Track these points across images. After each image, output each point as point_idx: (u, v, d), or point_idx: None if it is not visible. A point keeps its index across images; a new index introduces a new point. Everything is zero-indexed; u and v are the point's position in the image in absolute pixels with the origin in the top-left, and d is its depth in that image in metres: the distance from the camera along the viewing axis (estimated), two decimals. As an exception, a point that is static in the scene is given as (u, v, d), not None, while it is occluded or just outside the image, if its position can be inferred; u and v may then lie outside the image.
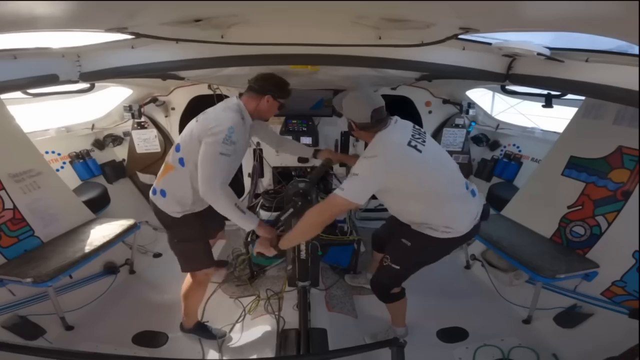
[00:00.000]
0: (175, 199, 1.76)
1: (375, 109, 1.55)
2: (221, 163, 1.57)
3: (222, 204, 1.59)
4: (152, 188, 1.84)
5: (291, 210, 1.84)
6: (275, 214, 2.74)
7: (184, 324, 2.11)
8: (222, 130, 1.57)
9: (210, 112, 1.75)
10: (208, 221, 2.10)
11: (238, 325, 2.21)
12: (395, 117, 1.67)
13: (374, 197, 1.63)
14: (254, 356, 1.98)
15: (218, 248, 2.96)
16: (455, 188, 1.65)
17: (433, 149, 1.62)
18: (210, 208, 1.97)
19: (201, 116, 1.75)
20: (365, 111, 1.55)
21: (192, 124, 1.74)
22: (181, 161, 1.71)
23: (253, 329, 2.17)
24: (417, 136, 1.57)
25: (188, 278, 1.99)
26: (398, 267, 1.80)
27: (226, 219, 1.72)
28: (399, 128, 1.61)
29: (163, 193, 1.78)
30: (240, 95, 1.85)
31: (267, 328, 2.12)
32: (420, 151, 1.51)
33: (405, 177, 1.52)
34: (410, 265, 1.83)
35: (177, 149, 1.73)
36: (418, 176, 1.53)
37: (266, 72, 1.84)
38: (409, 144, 1.51)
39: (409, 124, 1.66)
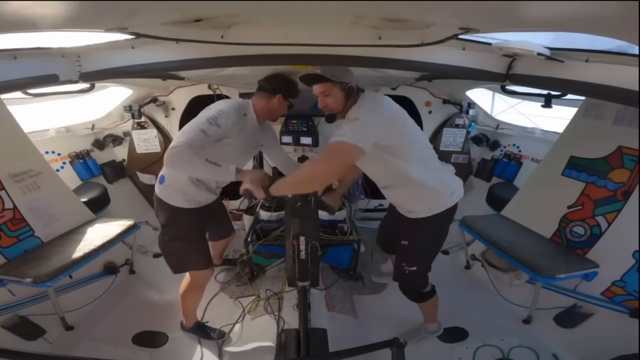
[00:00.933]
0: (173, 186, 1.76)
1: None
2: (195, 136, 1.50)
3: (189, 155, 1.46)
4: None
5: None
6: (275, 214, 2.76)
7: (184, 324, 2.11)
8: (211, 111, 1.60)
9: (213, 105, 1.73)
10: (214, 224, 2.11)
11: (238, 326, 2.21)
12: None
13: (374, 197, 1.62)
14: (254, 357, 1.98)
15: (230, 249, 2.95)
16: (436, 159, 1.68)
17: (414, 124, 1.62)
18: (217, 210, 1.98)
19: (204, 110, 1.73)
20: (353, 76, 1.57)
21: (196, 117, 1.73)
22: None
23: (253, 329, 2.17)
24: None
25: (186, 278, 1.98)
26: (415, 268, 1.80)
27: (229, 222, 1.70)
28: (379, 94, 1.62)
29: (162, 179, 1.79)
30: (241, 95, 1.85)
31: (267, 328, 2.12)
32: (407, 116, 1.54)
33: (403, 127, 1.48)
34: (425, 260, 1.84)
35: (179, 138, 1.68)
36: (412, 131, 1.52)
37: (276, 72, 1.83)
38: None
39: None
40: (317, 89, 1.57)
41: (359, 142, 1.31)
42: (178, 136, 1.57)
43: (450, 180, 1.72)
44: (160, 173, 1.82)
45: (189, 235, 1.85)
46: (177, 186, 1.76)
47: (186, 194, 1.77)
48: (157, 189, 1.83)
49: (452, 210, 1.72)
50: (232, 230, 2.42)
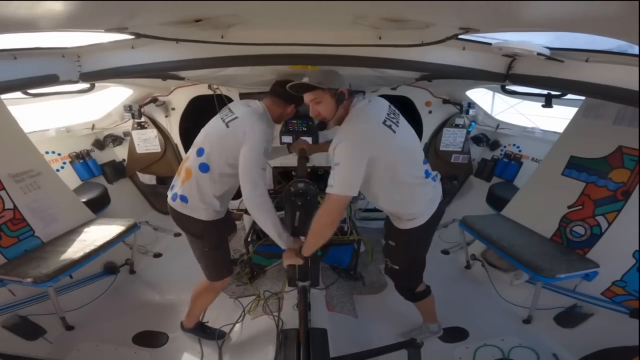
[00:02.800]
0: (200, 203, 1.71)
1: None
2: (261, 174, 1.60)
3: (267, 215, 1.61)
4: (171, 193, 1.77)
5: (298, 213, 1.84)
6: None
7: (185, 324, 2.11)
8: (260, 142, 1.59)
9: (244, 118, 1.65)
10: (225, 225, 2.11)
11: (238, 325, 2.21)
12: (370, 96, 1.68)
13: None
14: (254, 356, 1.98)
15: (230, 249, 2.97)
16: (415, 173, 1.64)
17: (405, 132, 1.59)
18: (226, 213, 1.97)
19: (232, 121, 1.66)
20: (344, 79, 1.57)
21: (220, 127, 1.67)
22: (202, 167, 1.65)
23: (253, 329, 2.17)
24: (392, 116, 1.55)
25: (204, 280, 1.96)
26: (397, 268, 1.86)
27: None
28: (375, 105, 1.58)
29: (184, 199, 1.71)
30: (241, 95, 1.84)
31: (267, 328, 2.11)
32: (394, 132, 1.49)
33: (380, 156, 1.48)
34: (407, 262, 1.86)
35: (199, 153, 1.67)
36: (387, 158, 1.51)
37: (290, 80, 1.77)
38: (384, 122, 1.49)
39: (385, 103, 1.63)
40: (307, 97, 1.56)
41: (348, 192, 1.45)
42: (246, 176, 1.59)
43: (412, 202, 1.67)
44: (181, 192, 1.72)
45: (222, 244, 1.91)
46: (204, 205, 1.72)
47: (214, 209, 1.75)
48: (179, 207, 1.74)
49: (429, 223, 1.71)
50: (234, 229, 2.41)
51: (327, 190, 1.47)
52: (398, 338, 2.11)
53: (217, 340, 2.05)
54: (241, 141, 1.59)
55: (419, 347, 1.24)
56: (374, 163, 1.47)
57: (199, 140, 1.74)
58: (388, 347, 1.26)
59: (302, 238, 1.73)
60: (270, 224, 1.62)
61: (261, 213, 1.61)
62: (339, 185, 1.43)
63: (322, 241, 1.62)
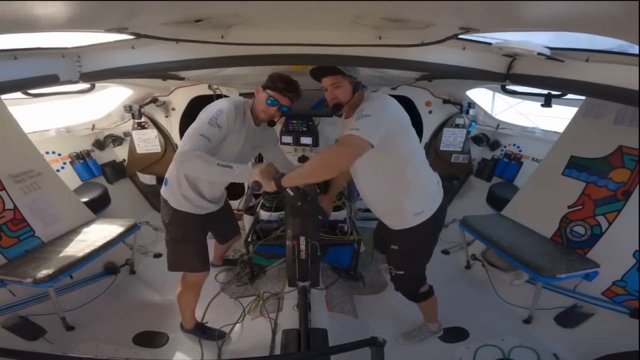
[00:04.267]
0: (177, 191, 1.76)
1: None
2: (198, 142, 1.51)
3: (199, 163, 1.47)
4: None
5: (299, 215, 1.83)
6: (275, 214, 2.76)
7: (183, 325, 2.12)
8: (210, 112, 1.58)
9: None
10: (222, 227, 2.10)
11: (238, 326, 2.21)
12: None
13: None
14: (253, 357, 1.98)
15: (230, 249, 2.96)
16: (423, 164, 1.69)
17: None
18: (223, 213, 1.95)
19: None
20: (358, 71, 1.64)
21: None
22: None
23: (253, 330, 2.17)
24: None
25: (182, 280, 1.99)
26: (402, 272, 1.84)
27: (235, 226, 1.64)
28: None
29: (166, 181, 1.80)
30: (241, 95, 1.84)
31: (267, 328, 2.12)
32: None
33: (407, 127, 1.55)
34: (413, 266, 1.85)
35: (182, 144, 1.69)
36: (413, 133, 1.58)
37: (279, 75, 1.76)
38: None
39: None
40: (327, 81, 1.60)
41: (371, 138, 1.37)
42: (182, 142, 1.58)
43: (437, 187, 1.73)
44: (166, 175, 1.82)
45: (188, 237, 1.87)
46: (180, 191, 1.77)
47: (189, 200, 1.78)
48: (162, 189, 1.85)
49: (438, 218, 1.72)
50: (237, 232, 2.42)
51: (351, 132, 1.39)
52: (398, 338, 2.12)
53: (217, 341, 2.05)
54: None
55: (381, 345, 1.23)
56: (393, 135, 1.48)
57: None
58: (350, 344, 1.25)
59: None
60: (201, 168, 1.50)
61: (187, 167, 1.55)
62: (363, 130, 1.38)
63: (315, 179, 1.53)
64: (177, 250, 1.89)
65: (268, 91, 1.69)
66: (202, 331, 2.11)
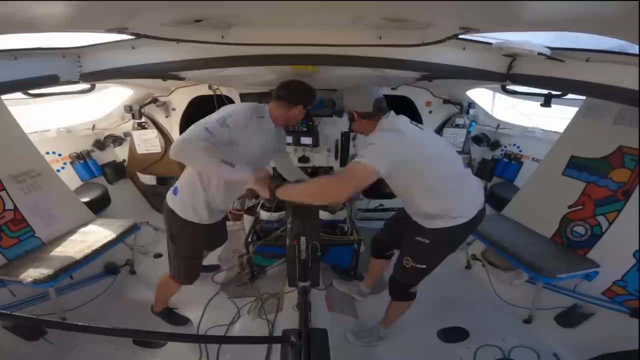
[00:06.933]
0: (188, 202, 1.72)
1: (377, 98, 1.65)
2: (199, 133, 1.45)
3: (201, 154, 1.42)
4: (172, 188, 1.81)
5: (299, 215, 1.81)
6: (275, 214, 2.75)
7: (154, 307, 2.21)
8: (222, 112, 1.57)
9: None
10: (215, 235, 2.10)
11: (238, 326, 2.21)
12: (392, 112, 1.71)
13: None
14: (254, 356, 1.98)
15: (230, 249, 3.00)
16: (458, 168, 1.69)
17: (430, 134, 1.73)
18: (219, 223, 1.96)
19: None
20: (368, 100, 1.64)
21: None
22: None
23: (253, 330, 2.16)
24: (415, 123, 1.67)
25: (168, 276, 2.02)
26: (425, 266, 1.80)
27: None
28: (398, 117, 1.68)
29: (175, 191, 1.76)
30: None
31: (267, 329, 2.12)
32: (422, 129, 1.65)
33: (416, 151, 1.54)
34: (436, 262, 1.83)
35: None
36: (425, 152, 1.56)
37: (294, 81, 1.76)
38: (410, 122, 1.64)
39: (404, 116, 1.70)
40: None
41: (377, 165, 1.40)
42: (184, 132, 1.53)
43: (459, 201, 1.68)
44: (177, 184, 1.77)
45: (196, 254, 1.95)
46: (192, 201, 1.73)
47: (200, 211, 1.75)
48: (170, 200, 1.79)
49: (459, 229, 1.69)
50: (225, 239, 2.38)
51: (356, 159, 1.42)
52: (347, 335, 2.11)
53: (218, 345, 2.04)
54: None
55: (293, 344, 1.23)
56: (411, 162, 1.52)
57: None
58: (263, 338, 1.26)
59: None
60: (201, 159, 1.46)
61: (186, 155, 1.47)
62: (370, 157, 1.41)
63: (312, 200, 1.53)
64: (182, 266, 1.93)
65: (308, 108, 1.76)
66: (167, 315, 2.20)
